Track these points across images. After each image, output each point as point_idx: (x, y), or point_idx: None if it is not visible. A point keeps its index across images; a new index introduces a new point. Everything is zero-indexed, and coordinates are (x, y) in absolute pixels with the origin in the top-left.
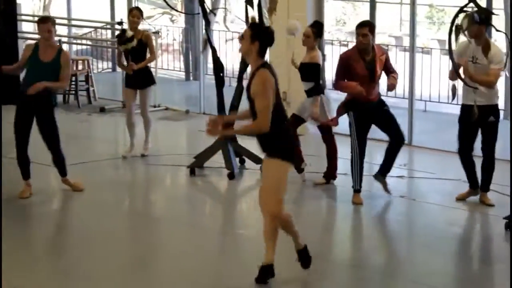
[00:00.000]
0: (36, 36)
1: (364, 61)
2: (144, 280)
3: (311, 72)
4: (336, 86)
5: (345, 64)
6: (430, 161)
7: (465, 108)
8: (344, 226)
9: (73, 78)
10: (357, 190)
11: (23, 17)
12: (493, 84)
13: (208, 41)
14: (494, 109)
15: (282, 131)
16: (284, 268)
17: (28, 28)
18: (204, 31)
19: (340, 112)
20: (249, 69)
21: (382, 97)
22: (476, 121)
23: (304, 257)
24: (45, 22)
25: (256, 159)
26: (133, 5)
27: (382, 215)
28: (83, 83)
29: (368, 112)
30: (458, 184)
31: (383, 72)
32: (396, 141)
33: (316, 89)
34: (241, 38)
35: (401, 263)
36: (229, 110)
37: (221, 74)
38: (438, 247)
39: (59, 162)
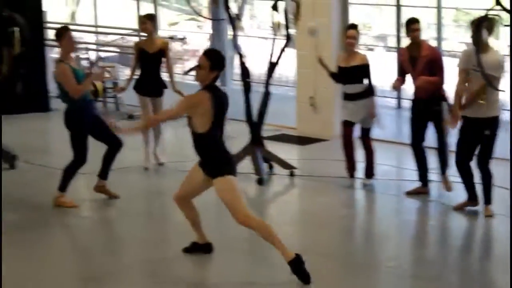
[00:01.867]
0: None
1: (411, 55)
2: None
3: (362, 73)
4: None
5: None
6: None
7: (469, 120)
8: (370, 230)
9: None
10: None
11: (49, 25)
12: None
13: (235, 46)
14: (497, 121)
15: (219, 149)
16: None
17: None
18: (232, 36)
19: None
20: (276, 75)
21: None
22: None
23: (297, 269)
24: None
25: (285, 165)
26: (157, 12)
27: (406, 218)
28: (110, 90)
29: (424, 108)
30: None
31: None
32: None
33: (370, 90)
34: (198, 67)
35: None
36: (257, 115)
37: (248, 80)
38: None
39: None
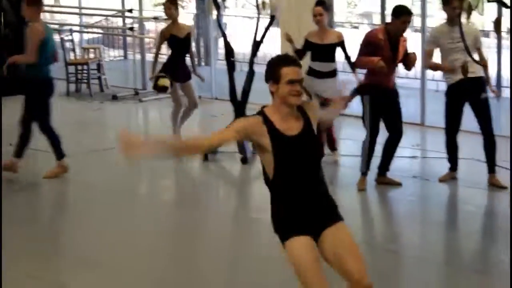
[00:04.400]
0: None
1: (390, 42)
2: (159, 262)
3: (334, 52)
4: (357, 62)
5: (372, 42)
6: (442, 141)
7: (452, 87)
8: (356, 208)
9: (85, 67)
10: (364, 173)
11: None
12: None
13: (219, 26)
14: (483, 81)
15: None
16: None
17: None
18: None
19: (353, 94)
20: (260, 54)
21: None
22: (466, 98)
23: None
24: None
25: None
26: None
27: (394, 196)
28: (95, 72)
29: (383, 98)
30: (471, 163)
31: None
32: (395, 135)
33: (351, 66)
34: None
35: (415, 242)
36: (241, 94)
37: (232, 59)
38: (452, 225)
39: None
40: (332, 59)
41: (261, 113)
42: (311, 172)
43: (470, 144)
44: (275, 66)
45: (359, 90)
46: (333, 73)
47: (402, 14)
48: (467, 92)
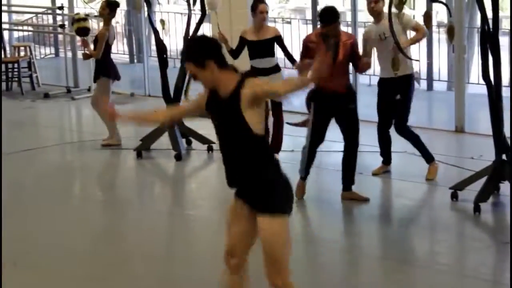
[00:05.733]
0: None
1: (326, 44)
2: (93, 263)
3: (273, 47)
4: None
5: (307, 46)
6: (374, 135)
7: (384, 82)
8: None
9: (16, 65)
10: (302, 177)
11: None
12: (426, 34)
13: (150, 23)
14: (410, 79)
15: (280, 171)
16: None
17: None
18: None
19: (308, 105)
20: None
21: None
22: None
23: None
24: None
25: (203, 140)
26: None
27: (329, 188)
28: (25, 70)
29: (331, 105)
30: (403, 156)
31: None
32: (350, 148)
33: (291, 60)
34: (194, 77)
35: (352, 237)
36: (173, 91)
37: (165, 56)
38: (385, 218)
39: None
40: (271, 54)
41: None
42: (231, 147)
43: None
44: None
45: (310, 98)
46: (276, 68)
47: (333, 21)
48: (398, 88)
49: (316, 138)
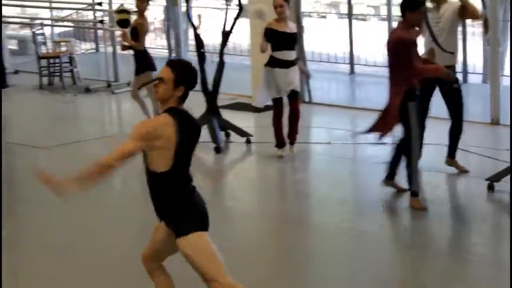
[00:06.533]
0: (17, 20)
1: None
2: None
3: (295, 41)
4: (415, 71)
5: (412, 43)
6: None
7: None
8: (327, 192)
9: (57, 60)
10: (414, 193)
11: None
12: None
13: (188, 18)
14: (454, 70)
15: (182, 196)
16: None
17: (10, 12)
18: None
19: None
20: (229, 44)
21: None
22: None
23: None
24: None
25: (241, 133)
26: None
27: (366, 180)
28: (67, 65)
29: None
30: (440, 148)
31: None
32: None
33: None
34: (160, 80)
35: (390, 227)
36: (212, 85)
37: (202, 50)
38: (421, 213)
39: None
40: (294, 48)
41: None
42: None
43: (438, 130)
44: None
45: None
46: (294, 62)
47: (419, 5)
48: (437, 80)
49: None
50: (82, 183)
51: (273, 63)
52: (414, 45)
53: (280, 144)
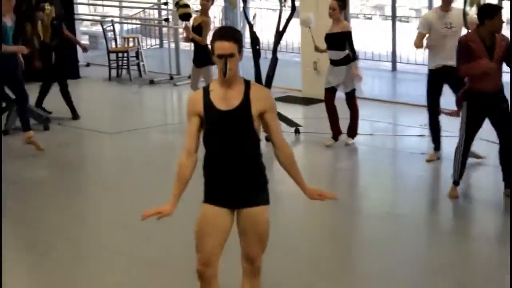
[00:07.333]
0: (89, 17)
1: (484, 44)
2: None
3: (343, 41)
4: (462, 70)
5: (466, 47)
6: (448, 121)
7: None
8: (369, 181)
9: (125, 54)
10: (455, 182)
11: (78, 1)
12: None
13: (245, 17)
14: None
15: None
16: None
17: (83, 10)
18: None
19: (460, 102)
20: (282, 42)
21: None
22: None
23: None
24: None
25: (291, 123)
26: None
27: (405, 169)
28: (134, 59)
29: (484, 104)
30: (479, 142)
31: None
32: (504, 145)
33: (352, 57)
34: (231, 56)
35: (425, 214)
36: (265, 79)
37: (258, 47)
38: (458, 200)
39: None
40: (339, 47)
41: (207, 85)
42: (232, 148)
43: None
44: (212, 39)
45: (463, 97)
46: (346, 60)
47: (496, 13)
48: (445, 78)
49: (470, 138)
50: (181, 189)
51: (330, 60)
52: (464, 46)
53: (335, 135)
